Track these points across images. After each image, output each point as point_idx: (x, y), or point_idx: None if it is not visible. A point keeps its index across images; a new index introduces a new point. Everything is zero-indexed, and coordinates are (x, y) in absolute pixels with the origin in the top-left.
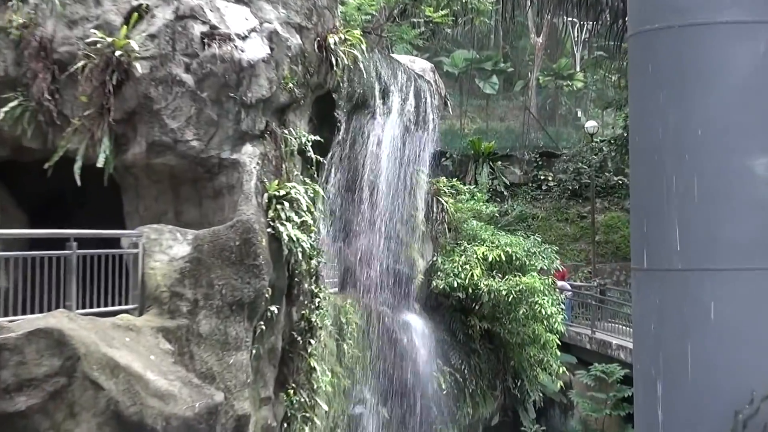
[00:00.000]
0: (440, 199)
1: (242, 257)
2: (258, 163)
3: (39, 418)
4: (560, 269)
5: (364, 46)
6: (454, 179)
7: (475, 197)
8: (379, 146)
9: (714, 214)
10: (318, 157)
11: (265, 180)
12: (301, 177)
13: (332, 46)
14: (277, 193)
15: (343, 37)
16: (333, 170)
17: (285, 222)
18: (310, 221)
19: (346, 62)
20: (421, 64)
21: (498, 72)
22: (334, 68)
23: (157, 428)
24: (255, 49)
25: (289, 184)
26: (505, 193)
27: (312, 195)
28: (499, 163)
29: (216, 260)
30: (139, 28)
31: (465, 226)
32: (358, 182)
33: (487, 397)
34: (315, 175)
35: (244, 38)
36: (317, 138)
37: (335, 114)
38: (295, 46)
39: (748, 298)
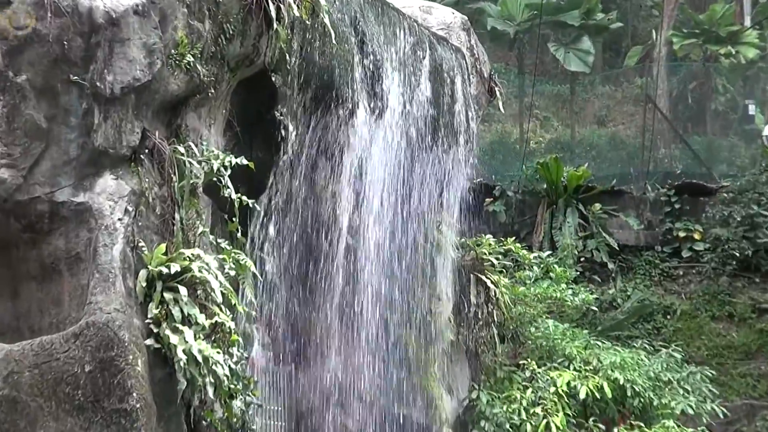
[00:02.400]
0: (483, 277)
1: (98, 396)
2: (128, 212)
3: None
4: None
5: None
6: (510, 238)
7: (552, 273)
8: (362, 175)
9: None
10: (244, 198)
11: (142, 244)
12: (211, 238)
13: None
14: (164, 270)
15: None
16: (275, 221)
17: (180, 326)
18: (230, 324)
19: (297, 14)
20: (442, 16)
21: (593, 30)
22: (273, 25)
23: None
24: None
25: (188, 252)
26: (611, 265)
27: (233, 271)
28: (598, 206)
29: (47, 402)
30: None
31: (532, 329)
32: (323, 245)
33: None
34: (239, 234)
35: None
36: (242, 160)
37: (276, 114)
38: None
39: None
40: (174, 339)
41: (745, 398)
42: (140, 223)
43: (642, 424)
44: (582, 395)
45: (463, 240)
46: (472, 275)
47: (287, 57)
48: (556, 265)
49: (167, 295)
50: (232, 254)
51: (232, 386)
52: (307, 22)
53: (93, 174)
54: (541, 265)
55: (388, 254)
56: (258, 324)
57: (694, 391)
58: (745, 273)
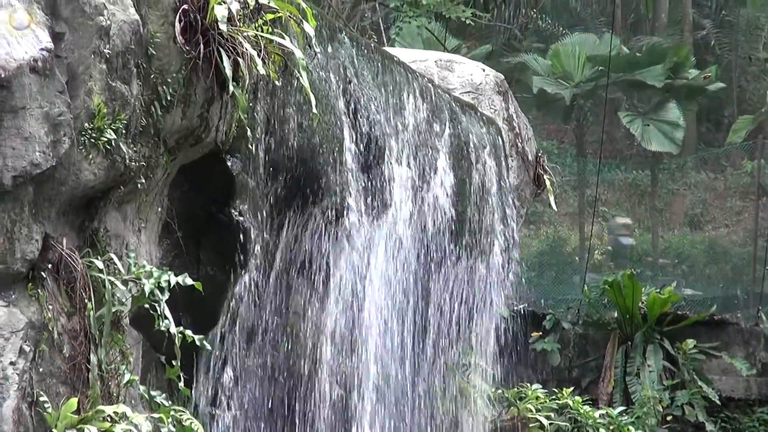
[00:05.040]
0: None
1: None
2: (24, 353)
3: None
4: None
5: (311, 30)
6: (567, 388)
7: None
8: (356, 300)
9: None
10: (189, 333)
11: (44, 398)
12: (142, 389)
13: (220, 28)
14: None
15: (253, 2)
16: (232, 365)
17: None
18: None
19: (262, 71)
20: (469, 74)
21: (683, 94)
22: (229, 88)
23: None
24: (6, 36)
25: (110, 410)
26: (710, 426)
27: None
28: (691, 343)
29: None
30: None
31: None
32: (301, 400)
33: None
34: (181, 383)
35: None
36: (185, 279)
37: (234, 213)
38: (121, 28)
39: None
40: None
41: None
42: (41, 369)
43: None
44: None
45: (499, 391)
46: None
47: (248, 133)
48: (631, 427)
49: None
50: (172, 412)
51: None
52: (277, 83)
53: None
54: (611, 428)
55: (392, 411)
56: None
57: None
58: None
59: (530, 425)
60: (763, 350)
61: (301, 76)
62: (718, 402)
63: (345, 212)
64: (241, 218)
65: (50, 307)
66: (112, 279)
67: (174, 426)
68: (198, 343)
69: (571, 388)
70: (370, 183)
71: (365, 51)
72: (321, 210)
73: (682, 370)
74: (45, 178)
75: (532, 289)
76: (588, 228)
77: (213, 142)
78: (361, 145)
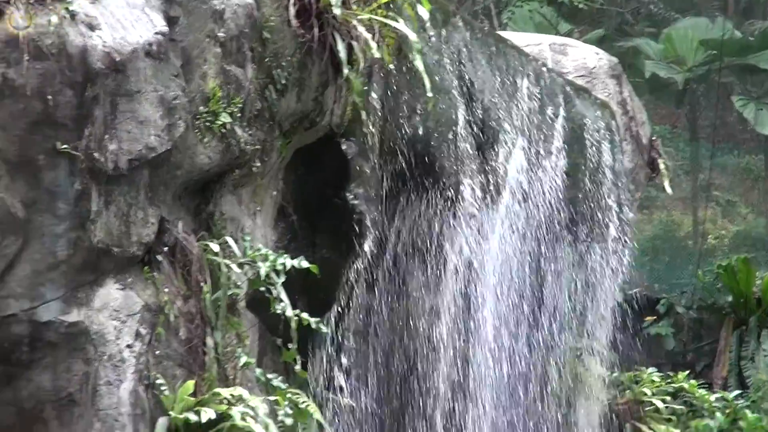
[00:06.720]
0: (644, 427)
1: None
2: (140, 335)
3: None
4: None
5: (425, 13)
6: (682, 372)
7: (743, 423)
8: (470, 283)
9: None
10: (305, 315)
11: (161, 381)
12: (258, 372)
13: (335, 11)
14: (193, 418)
15: None
16: (348, 348)
17: None
18: None
19: (377, 55)
20: (582, 57)
21: None
22: (343, 72)
23: None
24: (122, 21)
25: (226, 393)
26: None
27: (290, 419)
28: None
29: None
30: None
31: None
32: (417, 384)
33: None
34: (297, 366)
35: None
36: (301, 262)
37: (349, 197)
38: (235, 11)
39: None
40: None
41: None
42: (158, 352)
43: None
44: None
45: (614, 375)
46: (628, 424)
47: (363, 117)
48: (747, 411)
49: None
50: (288, 395)
51: None
52: (391, 67)
53: (91, 282)
54: (727, 411)
55: (507, 394)
56: None
57: None
58: None
59: (646, 409)
60: None
61: (415, 59)
62: None
63: (460, 195)
64: (356, 202)
65: (166, 290)
66: (228, 262)
67: (290, 409)
68: (314, 326)
69: (686, 372)
70: (484, 166)
71: (479, 35)
72: (435, 193)
73: None
74: (160, 162)
75: (646, 274)
76: (701, 213)
77: (327, 126)
78: (476, 129)
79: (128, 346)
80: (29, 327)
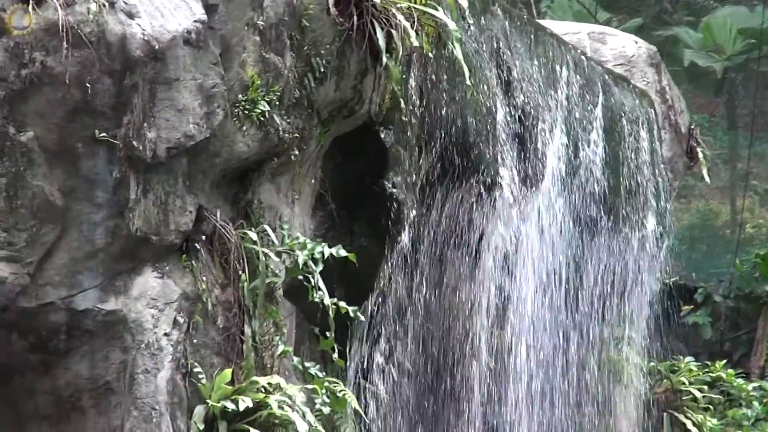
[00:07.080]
0: (682, 417)
1: None
2: (178, 324)
3: None
4: None
5: (464, 1)
6: (720, 361)
7: None
8: (508, 274)
9: None
10: (342, 304)
11: (198, 369)
12: (296, 360)
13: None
14: (230, 406)
15: None
16: (386, 337)
17: None
18: None
19: (415, 43)
20: (621, 46)
21: None
22: (382, 60)
23: None
24: (160, 9)
25: (263, 381)
26: None
27: (327, 408)
28: None
29: None
30: None
31: None
32: (454, 373)
33: None
34: (335, 355)
35: None
36: (339, 251)
37: (387, 185)
38: (274, 0)
39: None
40: None
41: None
42: (195, 340)
43: None
44: None
45: (652, 364)
46: (665, 413)
47: (402, 105)
48: None
49: None
50: (326, 384)
51: None
52: (430, 55)
53: (128, 270)
54: (764, 400)
55: (544, 383)
56: None
57: None
58: None
59: (683, 398)
60: None
61: (454, 47)
62: None
63: (498, 184)
64: (395, 190)
65: (204, 278)
66: (266, 250)
67: (328, 397)
68: (351, 314)
69: (724, 362)
70: (523, 154)
71: (518, 23)
72: (474, 181)
73: None
74: (199, 150)
75: (683, 263)
76: (740, 202)
77: (366, 114)
78: (514, 117)
79: (166, 334)
80: (67, 315)
